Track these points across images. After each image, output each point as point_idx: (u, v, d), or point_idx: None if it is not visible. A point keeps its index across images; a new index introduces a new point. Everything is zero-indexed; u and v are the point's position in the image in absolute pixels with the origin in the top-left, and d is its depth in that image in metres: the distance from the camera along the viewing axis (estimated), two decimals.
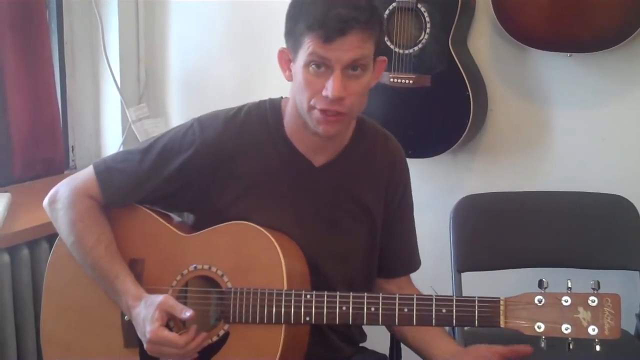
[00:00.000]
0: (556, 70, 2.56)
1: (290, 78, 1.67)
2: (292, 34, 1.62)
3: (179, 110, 3.13)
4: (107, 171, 1.78)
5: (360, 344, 1.93)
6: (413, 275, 1.93)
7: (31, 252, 2.42)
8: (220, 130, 1.74)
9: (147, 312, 1.63)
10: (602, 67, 2.50)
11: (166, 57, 3.15)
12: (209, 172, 1.74)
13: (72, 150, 3.11)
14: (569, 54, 2.42)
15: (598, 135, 2.56)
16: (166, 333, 1.61)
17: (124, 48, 3.05)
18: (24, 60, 2.76)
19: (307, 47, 1.57)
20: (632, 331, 2.37)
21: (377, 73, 1.69)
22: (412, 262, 1.92)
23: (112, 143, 3.12)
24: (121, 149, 3.00)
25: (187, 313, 1.61)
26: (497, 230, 2.42)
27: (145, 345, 1.64)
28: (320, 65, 1.58)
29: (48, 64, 2.85)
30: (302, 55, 1.59)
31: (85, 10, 3.00)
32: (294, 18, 1.62)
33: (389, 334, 1.99)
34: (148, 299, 1.66)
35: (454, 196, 2.48)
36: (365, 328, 1.93)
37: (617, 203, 2.41)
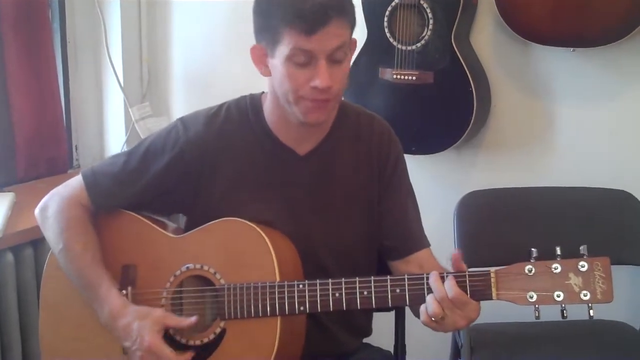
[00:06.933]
0: (559, 65, 2.55)
1: (267, 74, 1.67)
2: (267, 30, 1.61)
3: (182, 109, 3.12)
4: (93, 175, 1.79)
5: (365, 340, 1.93)
6: None
7: (35, 251, 2.43)
8: (201, 129, 1.75)
9: (143, 322, 1.64)
10: (606, 62, 2.48)
11: (169, 55, 3.15)
12: (195, 171, 1.74)
13: (76, 149, 3.11)
14: (572, 49, 2.41)
15: (603, 129, 2.55)
16: (165, 348, 1.62)
17: (127, 47, 3.05)
18: (27, 60, 2.77)
19: (288, 41, 1.56)
20: (637, 327, 2.36)
21: (351, 54, 1.70)
22: (421, 236, 1.83)
23: (115, 142, 3.12)
24: (125, 148, 3.01)
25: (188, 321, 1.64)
26: (501, 225, 2.42)
27: (138, 354, 1.63)
28: (303, 58, 1.58)
29: (51, 63, 2.85)
30: (283, 50, 1.58)
31: (87, 9, 3.01)
32: (265, 13, 1.61)
33: (393, 330, 1.99)
34: (141, 310, 1.66)
35: (458, 192, 2.47)
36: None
37: (623, 198, 2.40)
